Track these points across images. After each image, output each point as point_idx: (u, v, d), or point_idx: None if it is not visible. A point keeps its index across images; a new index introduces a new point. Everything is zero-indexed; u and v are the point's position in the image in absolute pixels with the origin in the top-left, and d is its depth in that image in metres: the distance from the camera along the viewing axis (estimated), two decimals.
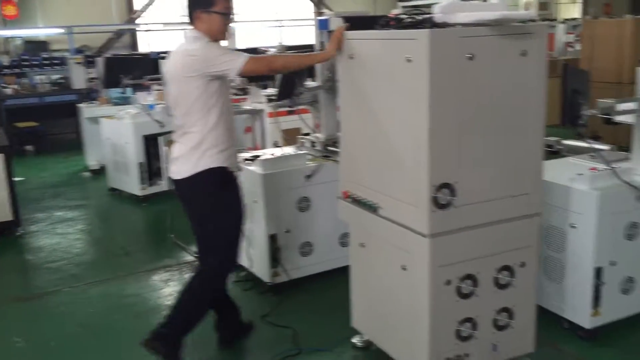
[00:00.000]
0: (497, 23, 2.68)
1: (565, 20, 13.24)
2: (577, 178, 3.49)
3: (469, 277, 2.92)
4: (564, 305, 3.60)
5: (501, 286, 3.02)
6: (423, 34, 2.63)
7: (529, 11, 2.71)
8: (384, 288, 3.19)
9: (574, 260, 3.50)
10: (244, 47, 11.13)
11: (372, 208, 3.12)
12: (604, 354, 3.42)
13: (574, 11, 17.82)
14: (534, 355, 3.24)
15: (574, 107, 3.39)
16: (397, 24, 2.92)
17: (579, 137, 3.54)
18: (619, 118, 3.70)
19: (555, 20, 13.97)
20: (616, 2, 17.44)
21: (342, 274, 3.73)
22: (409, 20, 2.88)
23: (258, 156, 4.36)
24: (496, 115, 2.82)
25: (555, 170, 3.72)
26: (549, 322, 3.61)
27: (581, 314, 3.52)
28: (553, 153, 3.91)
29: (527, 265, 3.07)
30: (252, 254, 4.39)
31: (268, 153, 4.56)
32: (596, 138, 5.87)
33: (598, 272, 3.43)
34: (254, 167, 4.25)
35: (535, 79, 2.87)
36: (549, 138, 3.75)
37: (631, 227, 3.49)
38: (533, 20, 3.05)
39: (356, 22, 3.39)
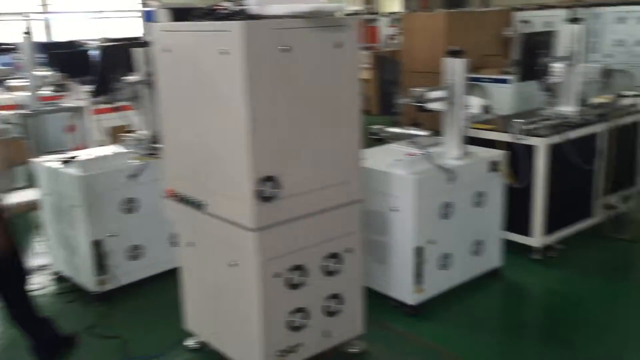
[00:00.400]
0: (310, 15, 2.71)
1: (388, 14, 14.01)
2: (395, 164, 3.68)
3: (298, 267, 2.95)
4: (390, 285, 3.79)
5: (329, 273, 3.09)
6: (237, 25, 2.58)
7: (340, 4, 2.76)
8: (214, 286, 3.12)
9: (397, 241, 3.69)
10: (62, 40, 10.36)
11: (197, 205, 3.03)
12: (427, 328, 3.64)
13: (396, 5, 18.93)
14: (364, 336, 3.37)
15: (388, 97, 3.57)
16: (211, 15, 2.84)
17: (395, 124, 3.72)
18: (431, 105, 3.96)
19: (378, 13, 14.72)
20: None
21: (175, 275, 3.59)
22: (224, 11, 2.82)
23: (76, 157, 4.05)
24: (314, 106, 2.86)
25: (376, 157, 3.89)
26: (378, 302, 3.77)
27: (406, 292, 3.72)
28: (379, 140, 4.09)
29: (353, 250, 3.17)
30: (76, 263, 4.09)
31: (87, 153, 4.26)
32: (417, 125, 6.26)
33: (419, 251, 3.65)
34: (71, 169, 3.94)
35: (350, 69, 2.95)
36: (374, 126, 3.92)
37: (445, 207, 3.75)
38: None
39: (183, 14, 3.27)
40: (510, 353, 3.44)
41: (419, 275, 3.68)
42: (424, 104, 3.90)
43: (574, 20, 4.45)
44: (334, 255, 3.09)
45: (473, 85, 8.54)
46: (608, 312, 3.81)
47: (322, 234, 3.02)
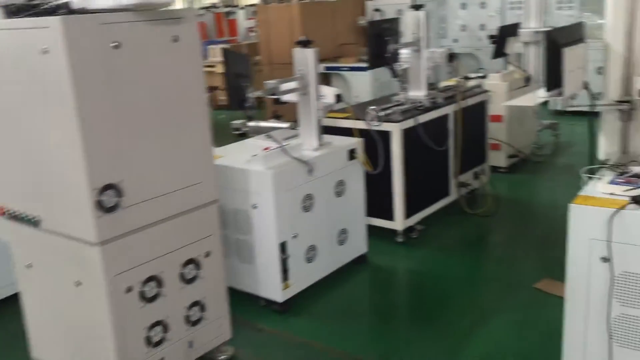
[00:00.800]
0: (139, 7, 2.51)
1: (246, 7, 13.84)
2: (252, 159, 3.57)
3: (152, 278, 2.76)
4: (258, 284, 3.69)
5: (188, 281, 2.93)
6: (57, 21, 2.33)
7: None
8: (60, 309, 2.84)
9: (260, 239, 3.60)
10: None
11: (32, 222, 2.74)
12: (298, 323, 3.59)
13: None
14: (233, 341, 3.24)
15: (239, 91, 3.43)
16: (30, 10, 2.56)
17: (249, 119, 3.60)
18: (285, 97, 3.89)
19: (236, 6, 14.50)
20: None
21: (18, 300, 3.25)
22: (44, 6, 2.54)
23: None
24: (156, 105, 2.67)
25: (233, 154, 3.78)
26: (246, 303, 3.67)
27: (273, 290, 3.64)
28: (241, 135, 3.95)
29: (212, 254, 3.03)
30: None
31: None
32: (277, 117, 6.19)
33: (283, 246, 3.57)
34: None
35: (191, 64, 2.79)
36: (235, 121, 3.76)
37: (306, 199, 3.71)
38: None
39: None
40: (382, 337, 3.47)
41: (285, 271, 3.61)
42: (279, 96, 3.83)
43: (417, 7, 4.58)
44: (191, 261, 2.93)
45: (333, 74, 8.68)
46: (467, 285, 3.98)
47: (177, 241, 2.84)
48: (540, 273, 3.93)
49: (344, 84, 8.25)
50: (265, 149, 3.70)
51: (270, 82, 3.78)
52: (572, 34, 3.00)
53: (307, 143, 3.87)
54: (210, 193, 2.97)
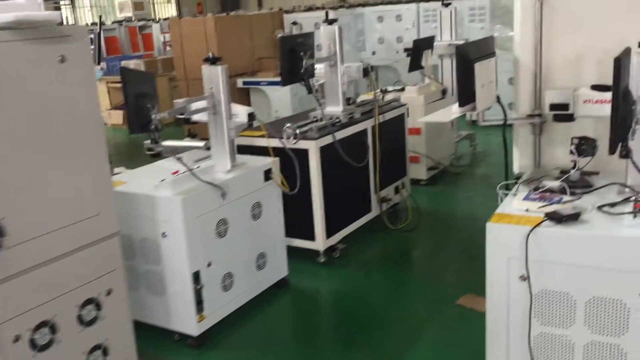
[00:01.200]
0: (15, 26, 2.26)
1: (161, 20, 13.47)
2: (160, 185, 3.35)
3: (44, 324, 2.49)
4: (170, 317, 3.45)
5: (87, 323, 2.67)
6: None
7: (54, 12, 2.36)
8: None
9: (172, 269, 3.36)
10: None
11: None
12: (214, 358, 3.37)
13: (171, 11, 18.39)
14: None
15: (141, 113, 3.19)
16: None
17: (154, 142, 3.36)
18: (196, 117, 3.68)
19: (152, 20, 14.10)
20: (209, 1, 18.64)
21: None
22: None
23: None
24: (41, 133, 2.42)
25: (141, 179, 3.55)
26: (159, 338, 3.44)
27: (188, 322, 3.41)
28: (155, 156, 3.70)
29: (114, 291, 2.78)
30: None
31: None
32: (193, 136, 5.95)
33: (196, 276, 3.36)
34: None
35: (82, 86, 2.55)
36: (147, 141, 3.52)
37: (220, 225, 3.51)
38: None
39: None
40: None
41: (199, 302, 3.38)
42: (189, 116, 3.62)
43: (331, 22, 4.48)
44: (90, 301, 2.67)
45: (252, 89, 8.50)
46: (391, 304, 3.89)
47: (72, 281, 2.59)
48: (463, 288, 3.88)
49: (264, 99, 8.10)
50: (175, 172, 3.48)
51: (179, 102, 3.58)
52: (483, 49, 2.97)
53: (220, 165, 3.67)
54: (110, 225, 2.73)
